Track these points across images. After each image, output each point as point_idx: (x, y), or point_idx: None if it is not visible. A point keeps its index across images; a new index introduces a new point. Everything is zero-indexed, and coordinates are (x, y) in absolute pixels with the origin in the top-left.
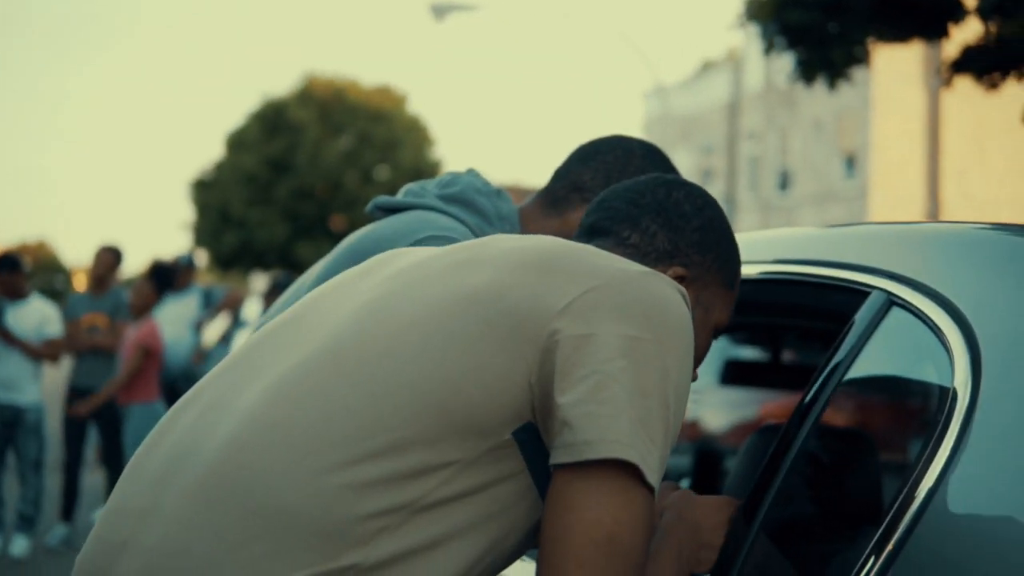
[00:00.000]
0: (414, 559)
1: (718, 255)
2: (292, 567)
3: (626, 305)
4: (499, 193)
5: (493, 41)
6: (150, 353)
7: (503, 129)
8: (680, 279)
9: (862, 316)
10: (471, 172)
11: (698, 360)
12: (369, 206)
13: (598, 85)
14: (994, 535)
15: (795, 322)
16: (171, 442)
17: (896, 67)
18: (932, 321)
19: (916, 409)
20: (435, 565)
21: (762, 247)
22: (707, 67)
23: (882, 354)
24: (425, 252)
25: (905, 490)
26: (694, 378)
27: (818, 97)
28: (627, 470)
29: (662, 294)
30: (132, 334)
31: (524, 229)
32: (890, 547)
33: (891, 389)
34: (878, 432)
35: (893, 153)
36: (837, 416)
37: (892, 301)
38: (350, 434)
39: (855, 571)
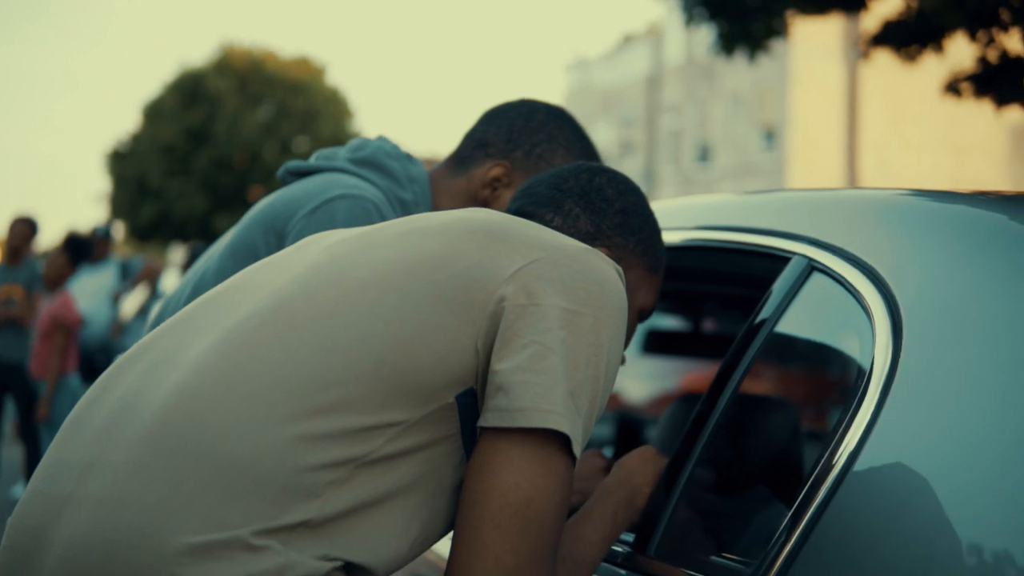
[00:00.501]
0: (361, 515)
1: (641, 239)
2: (247, 519)
3: (567, 279)
4: (408, 157)
5: (413, 13)
6: (67, 328)
7: (423, 101)
8: None
9: (782, 282)
10: (381, 138)
11: (625, 344)
12: (280, 171)
13: (519, 57)
14: (912, 498)
15: (717, 289)
16: (115, 396)
17: (815, 40)
18: (852, 286)
19: (837, 374)
20: (382, 521)
21: (684, 214)
22: (628, 40)
23: (803, 319)
24: (368, 227)
25: (825, 455)
26: (622, 361)
27: (738, 71)
28: (554, 439)
29: (601, 271)
30: (46, 307)
31: (434, 191)
32: (810, 512)
33: (812, 354)
34: (799, 397)
35: (812, 126)
36: (758, 381)
37: (813, 266)
38: (301, 387)
39: (775, 537)
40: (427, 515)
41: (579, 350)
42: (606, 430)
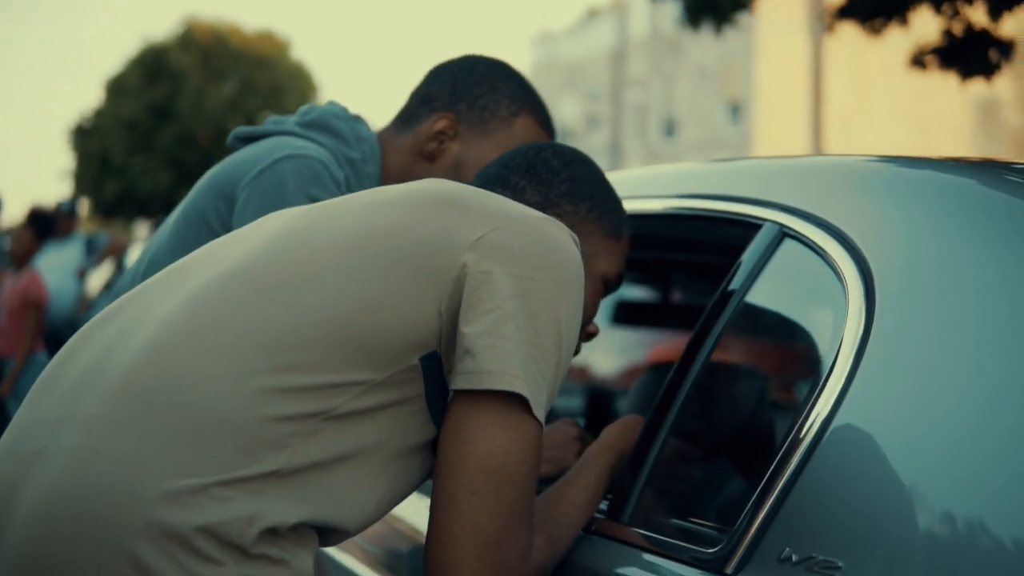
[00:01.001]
0: (329, 469)
1: (593, 205)
2: (218, 467)
3: (524, 247)
4: (357, 118)
5: None
6: (36, 305)
7: (388, 76)
8: None
9: (753, 249)
10: (330, 102)
11: (589, 311)
12: (230, 137)
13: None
14: (884, 466)
15: (687, 258)
16: (85, 357)
17: (779, 13)
18: (825, 252)
19: (809, 341)
20: (350, 476)
21: (654, 182)
22: (592, 14)
23: (774, 287)
24: (330, 200)
25: (797, 423)
26: (594, 331)
27: (703, 44)
28: (519, 403)
29: (558, 240)
30: (14, 285)
31: (383, 150)
32: (783, 480)
33: (783, 321)
34: (771, 364)
35: (777, 100)
36: (729, 350)
37: (784, 233)
38: (269, 343)
39: (749, 505)
40: (393, 473)
41: (537, 318)
42: (578, 402)
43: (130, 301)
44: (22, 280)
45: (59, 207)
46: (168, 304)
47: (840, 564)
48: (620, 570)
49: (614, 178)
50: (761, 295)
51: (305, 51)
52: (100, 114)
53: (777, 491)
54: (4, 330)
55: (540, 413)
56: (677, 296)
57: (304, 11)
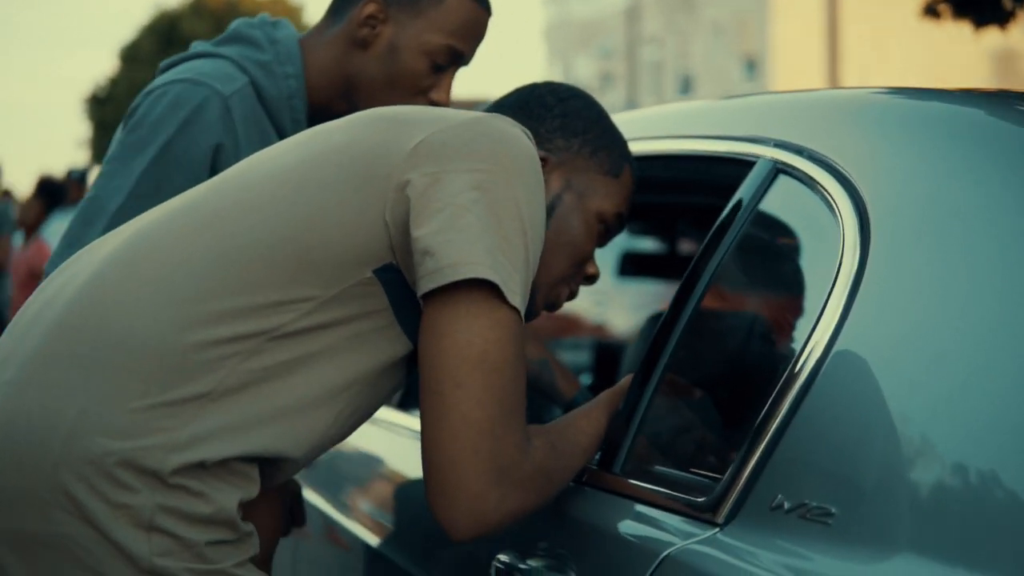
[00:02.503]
0: (268, 384)
1: (587, 140)
2: (142, 394)
3: (472, 141)
4: (277, 23)
5: None
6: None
7: None
8: (542, 162)
9: (746, 187)
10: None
11: (585, 250)
12: (157, 70)
13: None
14: (879, 406)
15: (682, 200)
16: (40, 300)
17: None
18: (819, 186)
19: (804, 279)
20: (290, 389)
21: (647, 123)
22: None
23: (768, 224)
24: (278, 143)
25: (789, 364)
26: (593, 272)
27: (718, 0)
28: (490, 291)
29: (506, 130)
30: (22, 254)
31: (308, 49)
32: (775, 423)
33: (779, 258)
34: (767, 304)
35: (793, 56)
36: (723, 292)
37: (778, 169)
38: (204, 268)
39: (741, 450)
40: (356, 390)
41: (497, 207)
42: (585, 357)
43: (87, 249)
44: (29, 250)
45: (69, 175)
46: (112, 244)
47: (834, 511)
48: (609, 521)
49: None
50: (755, 233)
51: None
52: (115, 82)
53: (770, 435)
54: (14, 300)
55: (516, 300)
56: (672, 240)
57: None
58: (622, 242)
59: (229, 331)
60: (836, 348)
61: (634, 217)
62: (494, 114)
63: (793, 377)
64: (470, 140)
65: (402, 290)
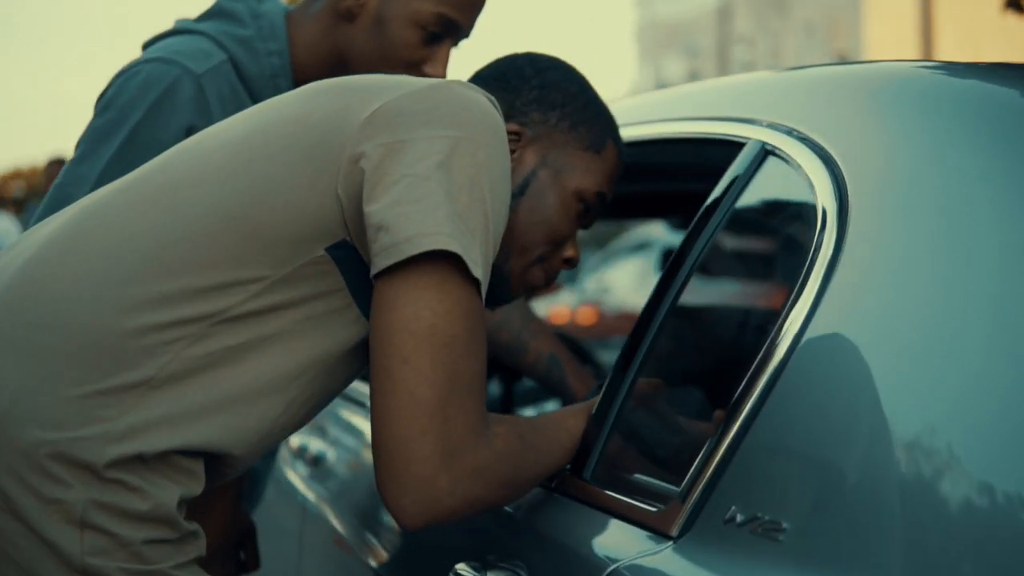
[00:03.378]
0: (215, 370)
1: (565, 114)
2: (77, 381)
3: (431, 108)
4: None
5: None
6: None
7: (488, 36)
8: (515, 136)
9: (733, 170)
10: None
11: (562, 229)
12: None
13: None
14: (845, 409)
15: (674, 185)
16: None
17: None
18: (803, 169)
19: (782, 267)
20: (238, 376)
21: (641, 108)
22: None
23: (754, 209)
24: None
25: (755, 363)
26: (572, 256)
27: (809, 0)
28: (448, 261)
29: (467, 96)
30: None
31: (292, 24)
32: (736, 426)
33: (760, 246)
34: (748, 296)
35: (886, 55)
36: (702, 284)
37: (767, 151)
38: (147, 247)
39: (698, 459)
40: (310, 376)
41: (457, 173)
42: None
43: (33, 229)
44: None
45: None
46: (56, 223)
47: (785, 526)
48: (570, 530)
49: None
50: (740, 219)
51: None
52: None
53: (728, 440)
54: None
55: (476, 269)
56: (664, 226)
57: None
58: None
59: (172, 314)
60: (801, 345)
61: (628, 202)
62: (457, 80)
63: (755, 379)
64: (429, 107)
65: (358, 268)
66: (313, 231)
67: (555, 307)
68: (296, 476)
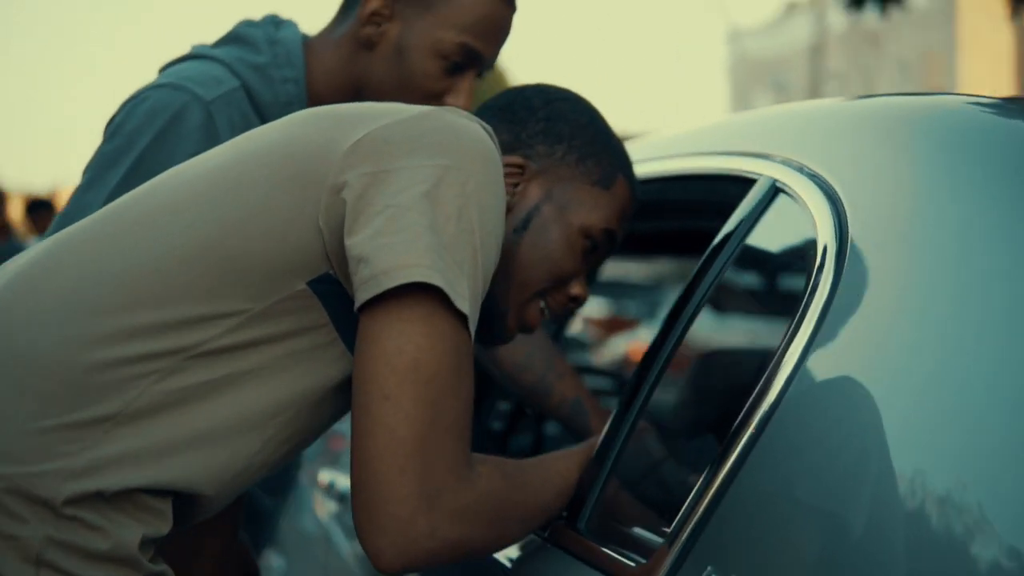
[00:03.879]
0: (187, 406)
1: (572, 147)
2: (39, 415)
3: (417, 136)
4: (280, 23)
5: None
6: None
7: (582, 75)
8: (519, 169)
9: (744, 206)
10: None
11: (560, 266)
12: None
13: (679, 29)
14: (830, 462)
15: (684, 222)
16: None
17: (982, 4)
18: (808, 207)
19: (785, 304)
20: (210, 413)
21: (661, 144)
22: (791, 8)
23: (762, 244)
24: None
25: (743, 411)
26: (579, 294)
27: (903, 37)
28: (431, 295)
29: (455, 122)
30: None
31: (314, 50)
32: (720, 478)
33: (768, 281)
34: (756, 330)
35: (981, 92)
36: (705, 328)
37: (777, 188)
38: (118, 278)
39: (681, 512)
40: (290, 415)
41: (444, 203)
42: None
43: (12, 259)
44: None
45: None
46: (32, 253)
47: None
48: None
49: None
50: (746, 259)
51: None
52: None
53: (712, 493)
54: None
55: (463, 304)
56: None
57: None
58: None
59: (142, 348)
60: (788, 396)
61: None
62: (448, 107)
63: (747, 424)
64: (415, 135)
65: (343, 303)
66: (293, 264)
67: (636, 343)
68: (324, 512)
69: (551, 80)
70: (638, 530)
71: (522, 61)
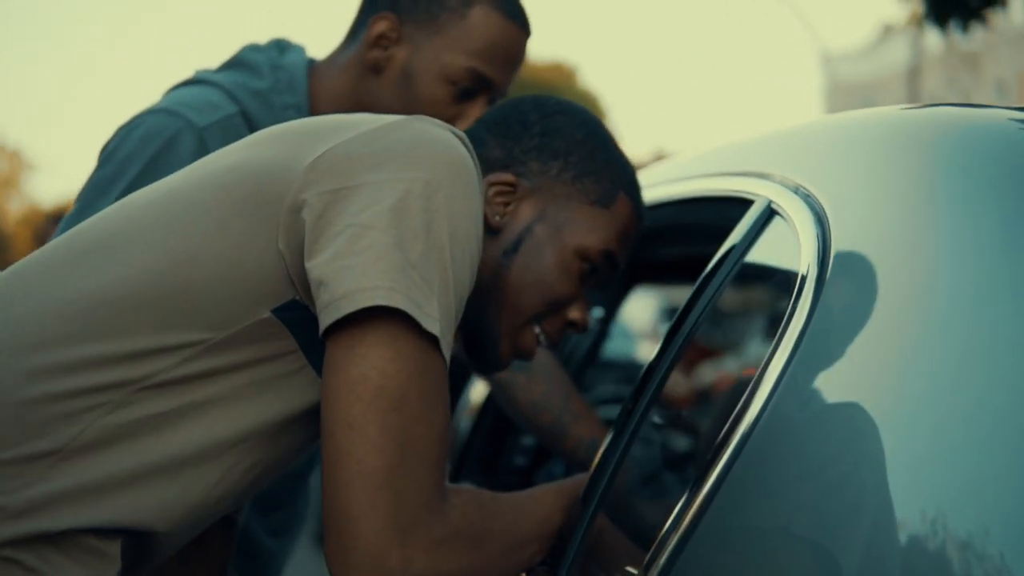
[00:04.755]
0: (136, 439)
1: (569, 163)
2: None
3: (380, 149)
4: (285, 47)
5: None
6: None
7: (674, 99)
8: (510, 187)
9: (739, 229)
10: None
11: (554, 289)
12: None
13: (771, 53)
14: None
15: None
16: None
17: None
18: (796, 227)
19: (768, 332)
20: (163, 445)
21: (671, 167)
22: (887, 31)
23: (753, 268)
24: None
25: (716, 440)
26: (578, 319)
27: (1002, 57)
28: (396, 318)
29: (424, 131)
30: None
31: (319, 75)
32: (689, 516)
33: (758, 307)
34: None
35: None
36: (696, 355)
37: (772, 210)
38: (67, 310)
39: (650, 553)
40: (252, 444)
41: (410, 219)
42: None
43: None
44: None
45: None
46: None
47: None
48: None
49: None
50: (737, 284)
51: (592, 77)
52: None
53: (683, 528)
54: None
55: (431, 324)
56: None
57: (588, 38)
58: None
59: (88, 381)
60: (757, 430)
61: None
62: (417, 116)
63: (717, 456)
64: (379, 148)
65: (312, 329)
66: (253, 291)
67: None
68: None
69: (644, 109)
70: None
71: (615, 85)
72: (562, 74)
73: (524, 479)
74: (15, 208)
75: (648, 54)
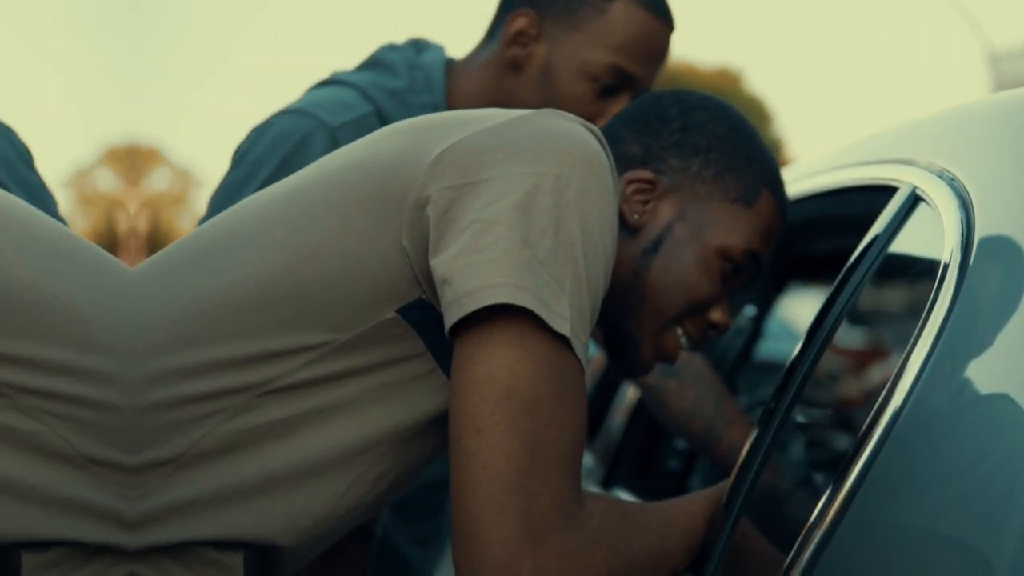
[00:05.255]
0: (258, 446)
1: (710, 160)
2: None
3: (508, 143)
4: (422, 46)
5: (827, 11)
6: None
7: (840, 101)
8: (649, 185)
9: (883, 217)
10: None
11: (696, 290)
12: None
13: (937, 52)
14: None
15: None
16: None
17: None
18: (942, 216)
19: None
20: (287, 452)
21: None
22: None
23: (897, 257)
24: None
25: (871, 413)
26: (720, 320)
27: None
28: (524, 316)
29: (554, 124)
30: None
31: (457, 73)
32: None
33: (899, 297)
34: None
35: None
36: (839, 356)
37: (917, 196)
38: (186, 313)
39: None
40: (381, 451)
41: (537, 215)
42: None
43: None
44: None
45: None
46: None
47: None
48: None
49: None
50: (881, 274)
51: (759, 81)
52: None
53: (823, 529)
54: None
55: (561, 324)
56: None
57: (756, 41)
58: None
59: (208, 385)
60: (897, 427)
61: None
62: (548, 110)
63: (849, 466)
64: (507, 142)
65: (442, 329)
66: (378, 290)
67: None
68: None
69: (811, 111)
70: None
71: (779, 89)
72: (727, 79)
73: (677, 484)
74: (186, 225)
75: (814, 56)
